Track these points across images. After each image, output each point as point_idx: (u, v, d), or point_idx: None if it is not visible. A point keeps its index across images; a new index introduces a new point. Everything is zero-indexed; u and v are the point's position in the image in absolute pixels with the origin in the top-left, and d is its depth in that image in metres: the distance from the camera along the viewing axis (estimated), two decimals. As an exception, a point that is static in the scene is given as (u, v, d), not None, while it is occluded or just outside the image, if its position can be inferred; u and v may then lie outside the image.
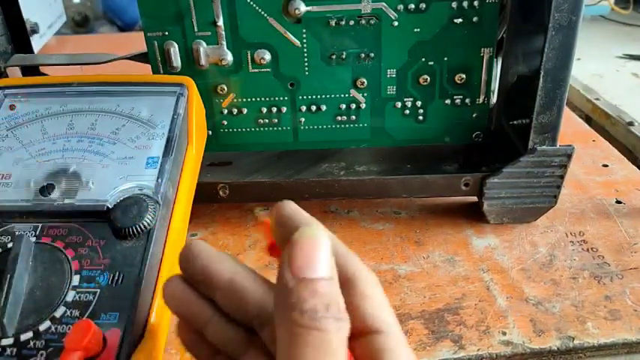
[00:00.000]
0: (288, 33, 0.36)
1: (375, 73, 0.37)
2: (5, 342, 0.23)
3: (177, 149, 0.29)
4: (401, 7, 0.35)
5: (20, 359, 0.23)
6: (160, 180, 0.28)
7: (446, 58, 0.37)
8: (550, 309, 0.32)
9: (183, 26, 0.35)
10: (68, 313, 0.24)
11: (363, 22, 0.35)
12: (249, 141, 0.39)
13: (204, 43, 0.36)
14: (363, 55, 0.36)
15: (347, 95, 0.38)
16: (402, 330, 0.19)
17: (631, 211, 0.40)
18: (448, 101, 0.38)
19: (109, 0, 1.51)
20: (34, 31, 0.48)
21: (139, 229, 0.26)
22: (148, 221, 0.26)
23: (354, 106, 0.38)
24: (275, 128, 0.39)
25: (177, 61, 0.36)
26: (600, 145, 0.50)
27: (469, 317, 0.31)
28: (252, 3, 0.35)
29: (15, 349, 0.23)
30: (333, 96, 0.38)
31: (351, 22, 0.35)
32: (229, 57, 0.36)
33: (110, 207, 0.27)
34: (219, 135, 0.39)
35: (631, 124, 0.56)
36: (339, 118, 0.39)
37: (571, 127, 0.54)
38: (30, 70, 0.49)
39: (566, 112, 0.55)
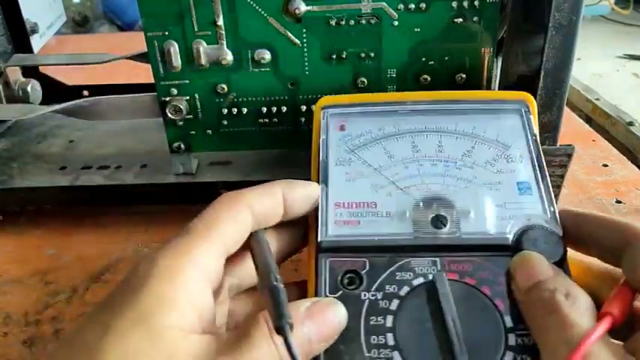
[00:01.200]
0: (289, 32, 0.36)
1: (375, 73, 0.37)
2: None
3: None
4: (401, 6, 0.35)
5: None
6: (552, 208, 0.25)
7: (447, 58, 0.37)
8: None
9: (184, 26, 0.35)
10: (519, 358, 0.22)
11: (364, 21, 0.35)
12: (250, 141, 0.39)
13: (204, 43, 0.36)
14: (363, 54, 0.36)
15: (347, 95, 0.38)
16: None
17: (631, 211, 0.41)
18: (448, 101, 0.38)
19: (109, 0, 1.51)
20: (34, 31, 0.48)
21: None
22: (561, 257, 0.24)
23: (354, 105, 0.38)
24: (275, 128, 0.39)
25: (177, 60, 0.36)
26: (600, 145, 0.51)
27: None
28: (252, 3, 0.35)
29: None
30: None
31: (352, 22, 0.35)
32: (229, 56, 0.36)
33: (513, 239, 0.25)
34: (220, 135, 0.39)
35: (631, 124, 0.57)
36: (339, 117, 0.39)
37: (571, 127, 0.54)
38: (30, 70, 0.50)
39: (567, 112, 0.55)
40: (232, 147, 0.40)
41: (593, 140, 0.52)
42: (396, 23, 0.35)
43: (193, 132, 0.39)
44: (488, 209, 0.26)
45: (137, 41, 0.39)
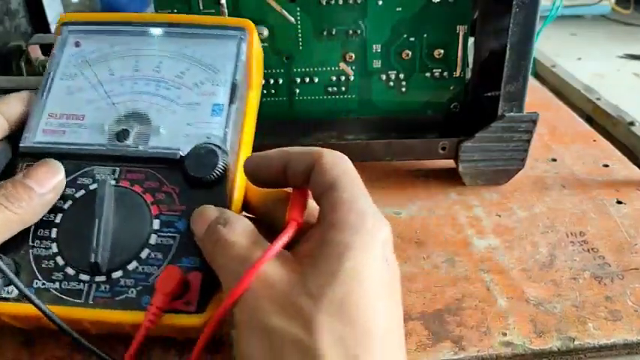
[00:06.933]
0: (284, 11, 0.40)
1: (362, 48, 0.41)
2: (99, 279, 0.25)
3: (241, 96, 0.30)
4: (384, -14, 0.39)
5: (114, 295, 0.25)
6: (227, 129, 0.28)
7: (425, 35, 0.41)
8: (550, 309, 0.32)
9: (190, 4, 0.39)
10: (152, 255, 0.26)
11: (351, 1, 0.39)
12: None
13: (208, 20, 0.40)
14: (350, 31, 0.40)
15: (337, 68, 0.42)
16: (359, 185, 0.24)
17: (632, 212, 0.40)
18: (428, 74, 0.42)
19: (108, -1, 1.53)
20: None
21: (211, 179, 0.27)
22: (220, 171, 0.27)
23: (343, 78, 0.42)
24: (272, 99, 0.43)
25: (184, 36, 0.40)
26: (601, 145, 0.50)
27: (469, 318, 0.31)
28: (251, -17, 0.39)
29: (108, 286, 0.25)
30: (324, 69, 0.42)
31: (340, 1, 0.39)
32: (231, 32, 0.40)
33: (183, 155, 0.28)
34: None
35: (632, 124, 0.56)
36: (329, 89, 0.43)
37: (572, 126, 0.53)
38: (49, 50, 0.54)
39: (567, 111, 0.56)
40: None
41: (594, 140, 0.51)
42: (380, 2, 0.39)
43: (198, 102, 0.43)
44: (178, 127, 0.29)
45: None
